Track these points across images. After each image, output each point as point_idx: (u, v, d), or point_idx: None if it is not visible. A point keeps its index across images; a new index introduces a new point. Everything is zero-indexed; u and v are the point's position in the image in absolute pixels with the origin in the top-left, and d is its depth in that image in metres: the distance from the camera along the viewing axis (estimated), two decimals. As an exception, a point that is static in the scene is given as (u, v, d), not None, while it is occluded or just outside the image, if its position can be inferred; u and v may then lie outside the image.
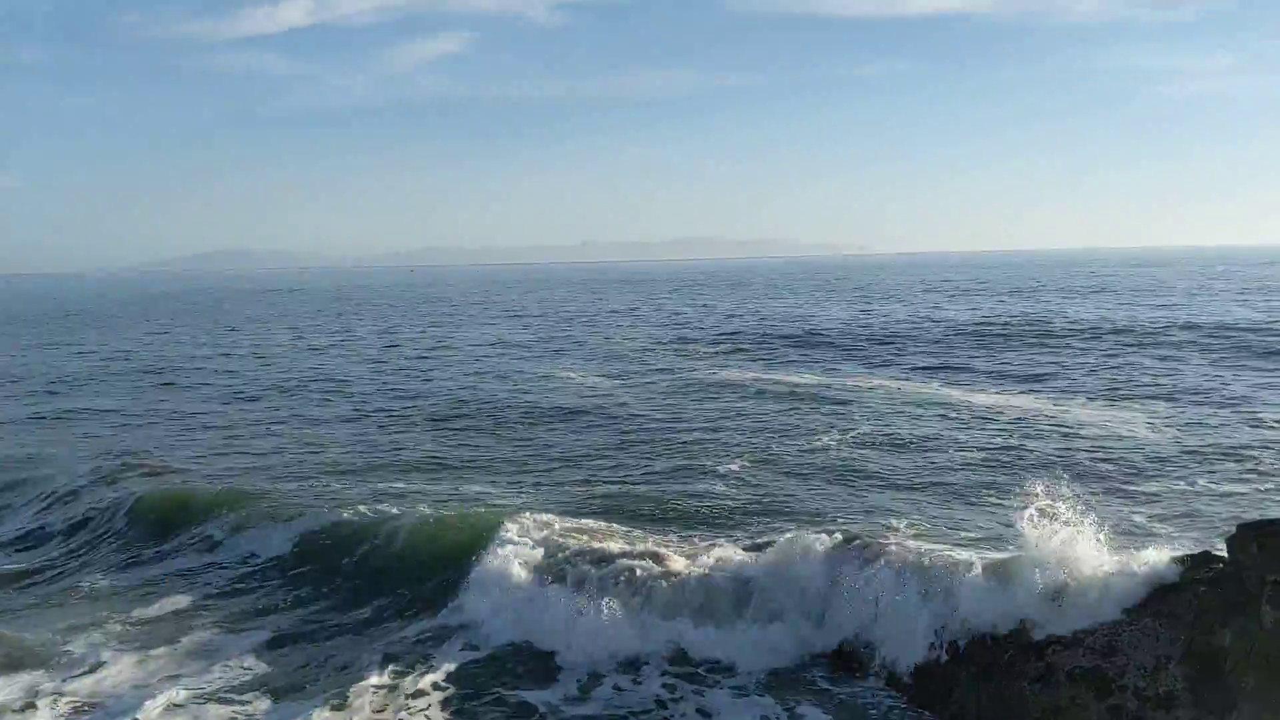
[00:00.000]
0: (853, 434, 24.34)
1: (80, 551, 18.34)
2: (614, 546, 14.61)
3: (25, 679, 12.10)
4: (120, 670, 12.40)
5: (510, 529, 15.47)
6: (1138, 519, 16.42)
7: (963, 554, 12.68)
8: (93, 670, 12.41)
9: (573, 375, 38.66)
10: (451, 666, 12.25)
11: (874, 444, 23.17)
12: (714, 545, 14.86)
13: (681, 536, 16.12)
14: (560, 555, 14.49)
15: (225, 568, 16.97)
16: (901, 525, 16.17)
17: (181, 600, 15.40)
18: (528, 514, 16.41)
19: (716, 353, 45.58)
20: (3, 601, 15.81)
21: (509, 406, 30.81)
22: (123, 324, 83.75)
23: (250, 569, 16.83)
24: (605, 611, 12.73)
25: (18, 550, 18.79)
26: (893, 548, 13.04)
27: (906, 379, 34.60)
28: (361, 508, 18.12)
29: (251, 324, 79.90)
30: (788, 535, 14.32)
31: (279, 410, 31.88)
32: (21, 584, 16.78)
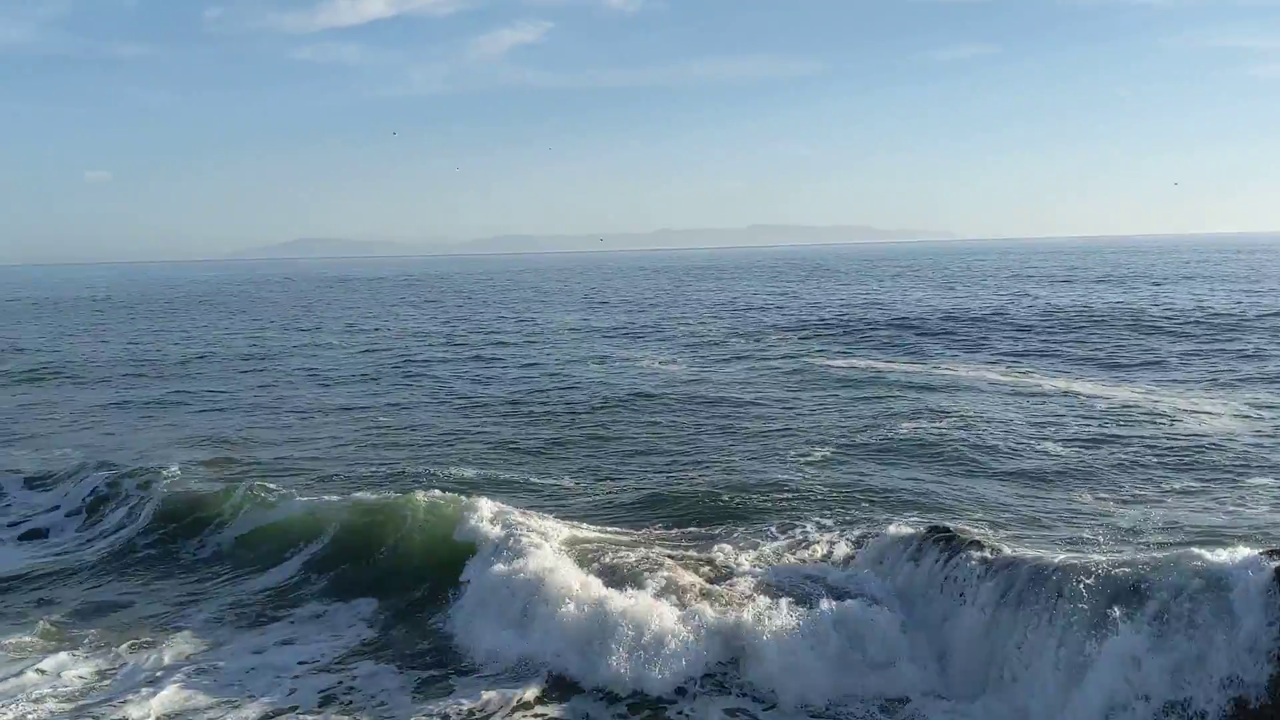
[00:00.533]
0: (941, 422, 23.63)
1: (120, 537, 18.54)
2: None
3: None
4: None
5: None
6: (1252, 512, 15.58)
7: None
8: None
9: (652, 361, 38.40)
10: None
11: (963, 432, 22.42)
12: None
13: (757, 531, 15.75)
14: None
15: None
16: (1002, 520, 15.55)
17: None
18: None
19: (796, 338, 44.93)
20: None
21: (588, 392, 30.66)
22: (221, 310, 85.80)
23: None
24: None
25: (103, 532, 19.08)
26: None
27: (995, 366, 33.63)
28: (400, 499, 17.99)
29: (348, 309, 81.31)
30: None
31: (363, 394, 32.25)
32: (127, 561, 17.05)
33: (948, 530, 13.28)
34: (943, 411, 25.12)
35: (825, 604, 11.93)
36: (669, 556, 14.25)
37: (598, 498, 18.42)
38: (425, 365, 39.75)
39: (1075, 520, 15.50)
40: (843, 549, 14.36)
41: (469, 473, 20.41)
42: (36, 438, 26.63)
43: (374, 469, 21.11)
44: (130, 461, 22.52)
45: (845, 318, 55.11)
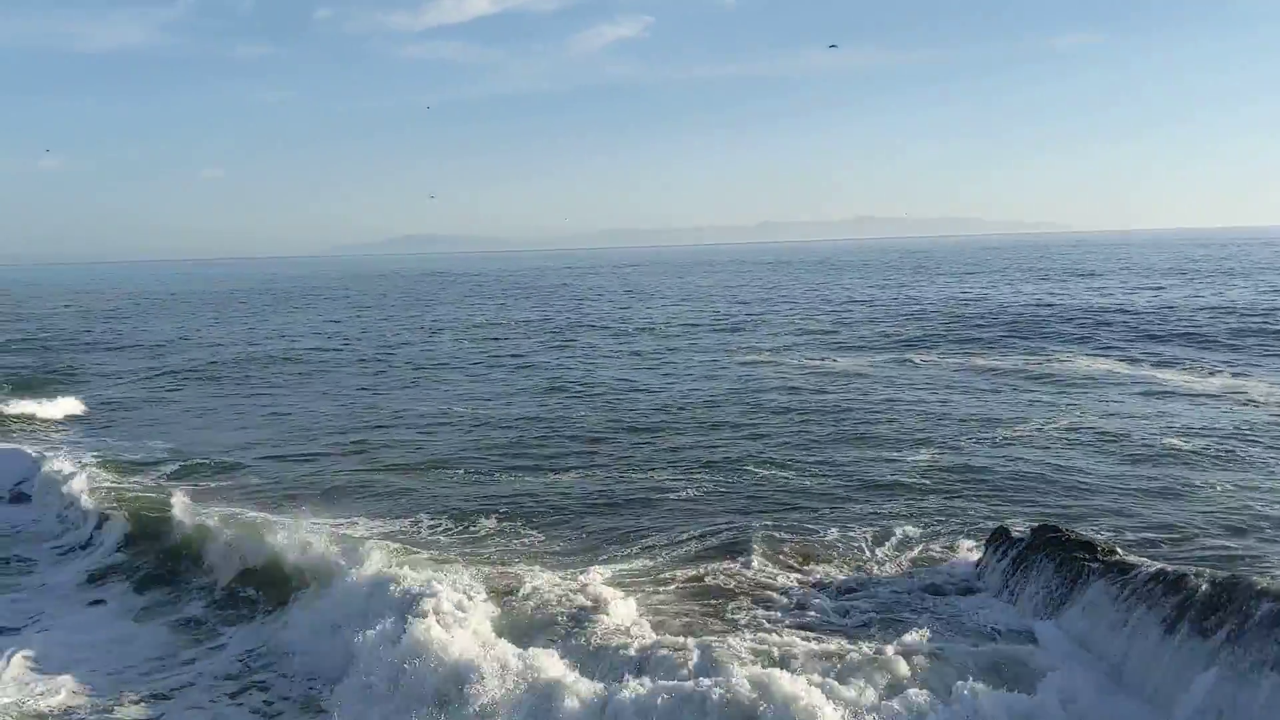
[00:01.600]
0: (1058, 423, 23.14)
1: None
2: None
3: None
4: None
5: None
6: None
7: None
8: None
9: (757, 357, 38.42)
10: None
11: (1080, 433, 21.96)
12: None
13: (848, 543, 15.76)
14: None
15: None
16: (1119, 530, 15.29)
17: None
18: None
19: (903, 335, 44.38)
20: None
21: (690, 388, 30.92)
22: (353, 304, 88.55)
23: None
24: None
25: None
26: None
27: (1113, 363, 32.80)
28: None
29: (458, 304, 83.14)
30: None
31: (465, 387, 33.02)
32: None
33: (1110, 552, 12.31)
34: (1064, 408, 24.69)
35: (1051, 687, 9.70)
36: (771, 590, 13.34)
37: (699, 495, 18.38)
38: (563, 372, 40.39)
39: (1229, 529, 15.17)
40: (994, 578, 13.21)
41: (562, 464, 20.86)
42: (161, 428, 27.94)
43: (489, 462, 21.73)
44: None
45: (955, 311, 54.22)
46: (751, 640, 11.15)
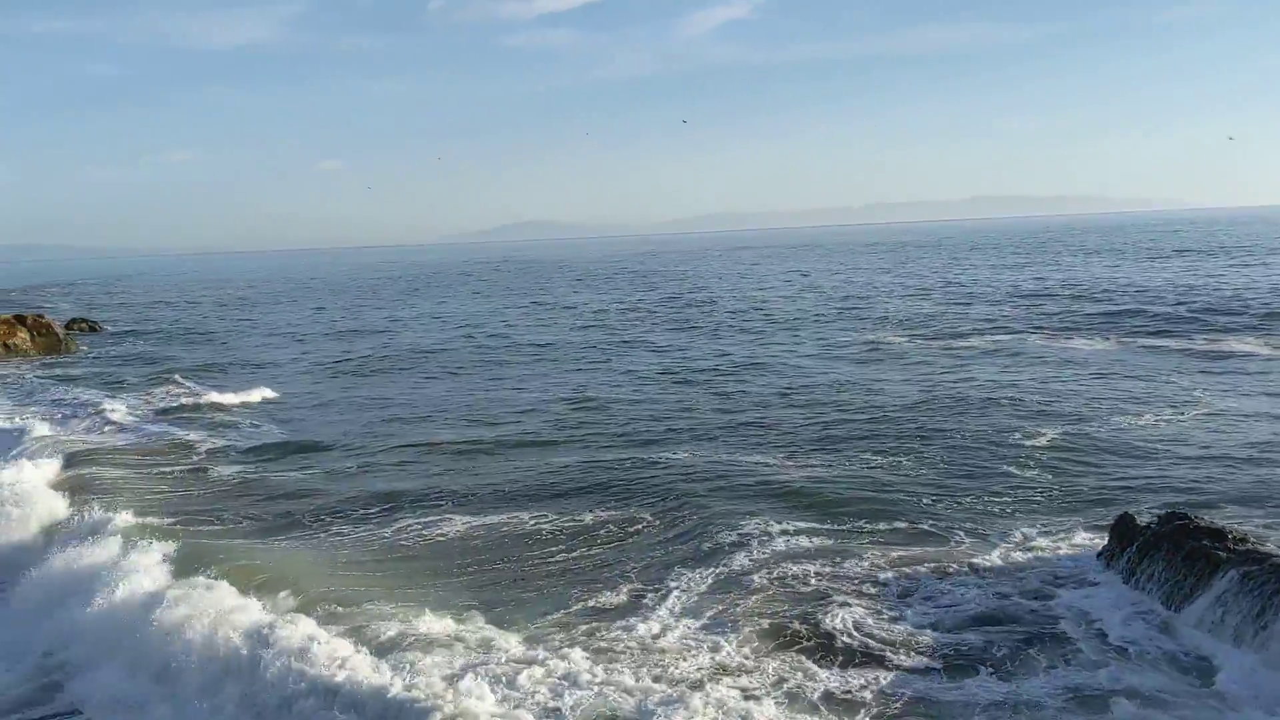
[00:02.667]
0: (1189, 412, 22.46)
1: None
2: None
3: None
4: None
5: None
6: None
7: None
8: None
9: (870, 338, 38.15)
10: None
11: (1216, 418, 21.33)
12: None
13: (966, 533, 15.59)
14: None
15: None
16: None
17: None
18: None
19: (1028, 317, 43.43)
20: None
21: (792, 373, 30.87)
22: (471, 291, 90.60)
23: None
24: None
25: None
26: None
27: (1256, 343, 31.67)
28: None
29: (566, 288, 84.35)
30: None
31: (593, 370, 33.59)
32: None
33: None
34: (1203, 392, 23.99)
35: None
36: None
37: (800, 480, 18.25)
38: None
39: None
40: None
41: (676, 442, 21.05)
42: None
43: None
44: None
45: (1084, 292, 52.77)
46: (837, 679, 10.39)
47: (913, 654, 10.88)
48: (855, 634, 11.41)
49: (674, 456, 20.49)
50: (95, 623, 13.03)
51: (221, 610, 12.21)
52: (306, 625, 11.72)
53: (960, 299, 54.62)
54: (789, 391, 27.76)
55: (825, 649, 11.05)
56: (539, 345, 42.60)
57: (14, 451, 23.23)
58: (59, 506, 18.33)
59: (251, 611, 12.30)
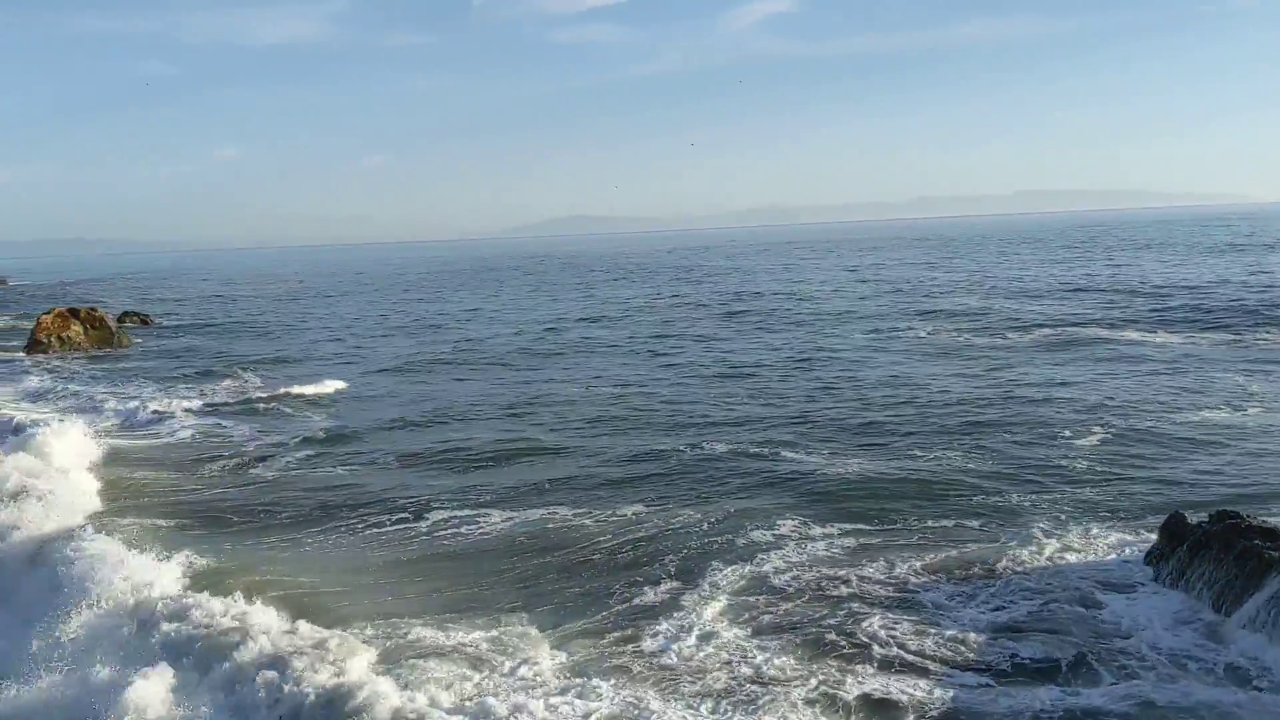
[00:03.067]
0: (1245, 409, 21.93)
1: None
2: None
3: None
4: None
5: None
6: None
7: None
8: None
9: (919, 333, 37.79)
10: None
11: (1270, 416, 20.83)
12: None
13: (1013, 529, 15.35)
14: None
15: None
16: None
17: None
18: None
19: (1071, 312, 42.77)
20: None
21: (843, 369, 30.66)
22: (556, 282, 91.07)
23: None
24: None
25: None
26: None
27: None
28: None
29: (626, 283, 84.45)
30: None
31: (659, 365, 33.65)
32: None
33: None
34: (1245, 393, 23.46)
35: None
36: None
37: (844, 476, 18.09)
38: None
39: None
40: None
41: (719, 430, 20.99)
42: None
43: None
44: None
45: (1127, 289, 51.88)
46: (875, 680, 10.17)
47: (959, 661, 10.57)
48: (897, 640, 11.11)
49: (717, 450, 20.39)
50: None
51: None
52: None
53: (1010, 294, 53.94)
54: (835, 386, 27.57)
55: (864, 656, 10.75)
56: (585, 339, 42.71)
57: (53, 442, 23.39)
58: (88, 503, 18.24)
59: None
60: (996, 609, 11.93)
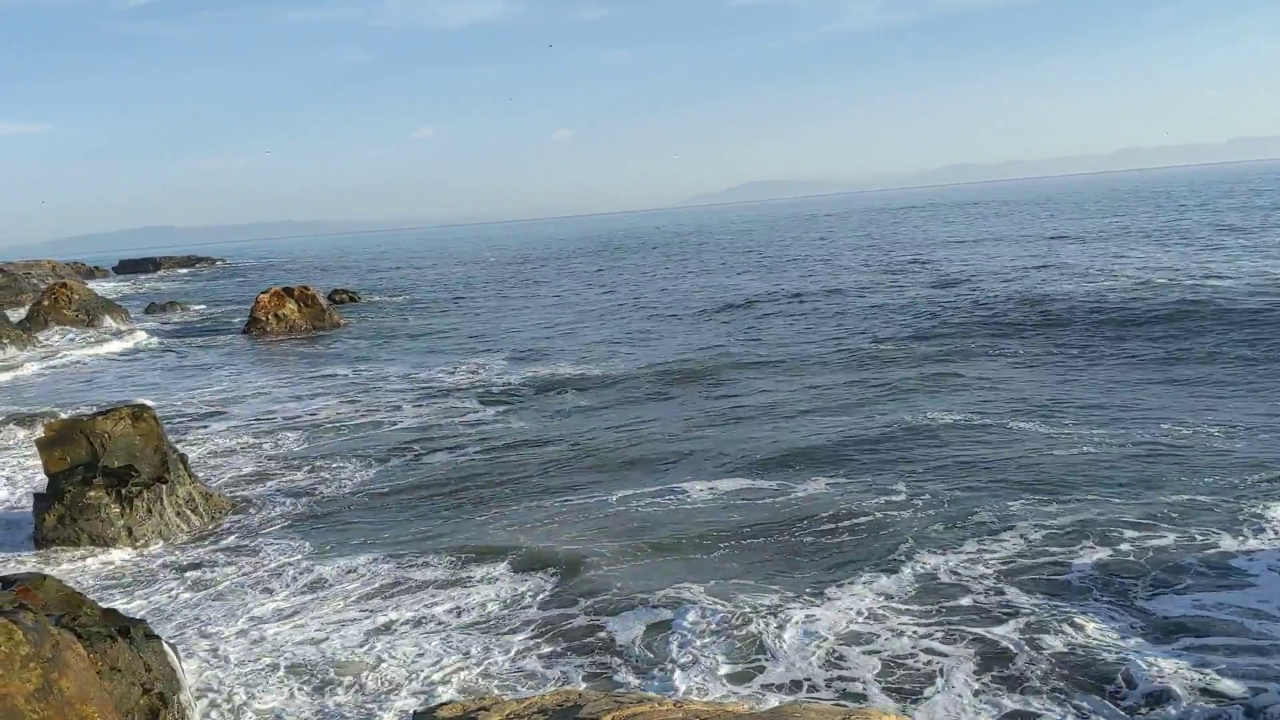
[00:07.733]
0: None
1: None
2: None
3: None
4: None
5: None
6: None
7: None
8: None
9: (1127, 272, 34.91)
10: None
11: None
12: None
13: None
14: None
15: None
16: None
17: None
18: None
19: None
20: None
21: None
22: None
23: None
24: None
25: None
26: None
27: None
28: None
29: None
30: None
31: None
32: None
33: None
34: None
35: None
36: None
37: (1067, 459, 16.74)
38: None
39: None
40: None
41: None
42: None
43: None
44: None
45: None
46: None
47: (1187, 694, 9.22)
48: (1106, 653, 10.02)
49: (939, 422, 19.45)
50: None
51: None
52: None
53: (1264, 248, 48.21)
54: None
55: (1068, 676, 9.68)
56: (782, 312, 41.56)
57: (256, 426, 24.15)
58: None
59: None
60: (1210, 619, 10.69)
